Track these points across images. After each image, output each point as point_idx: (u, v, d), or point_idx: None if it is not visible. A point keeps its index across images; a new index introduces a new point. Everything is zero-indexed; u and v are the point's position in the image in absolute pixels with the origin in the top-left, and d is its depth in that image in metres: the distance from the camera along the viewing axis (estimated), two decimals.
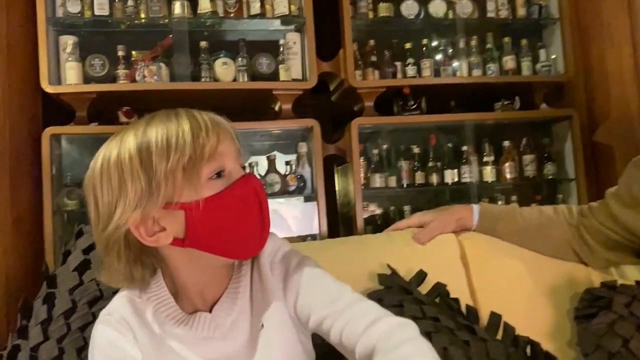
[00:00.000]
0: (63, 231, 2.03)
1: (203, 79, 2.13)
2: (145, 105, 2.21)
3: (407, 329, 0.72)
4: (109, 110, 2.13)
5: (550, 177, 2.57)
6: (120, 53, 2.09)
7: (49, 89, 1.98)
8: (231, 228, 0.72)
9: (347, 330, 0.73)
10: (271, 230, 0.80)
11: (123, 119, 2.17)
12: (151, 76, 2.04)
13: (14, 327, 1.05)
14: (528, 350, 1.10)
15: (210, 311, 0.79)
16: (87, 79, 2.07)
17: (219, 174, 0.73)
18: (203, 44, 2.16)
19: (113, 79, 2.10)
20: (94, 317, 1.01)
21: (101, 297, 1.04)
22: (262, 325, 0.80)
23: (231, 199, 0.72)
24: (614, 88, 2.43)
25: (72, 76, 2.02)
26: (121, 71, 2.08)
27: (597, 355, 1.09)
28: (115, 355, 0.76)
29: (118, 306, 0.80)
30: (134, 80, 2.08)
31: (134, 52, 2.15)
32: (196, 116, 0.73)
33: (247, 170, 0.82)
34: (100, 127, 2.02)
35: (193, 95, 2.13)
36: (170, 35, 2.12)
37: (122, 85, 2.05)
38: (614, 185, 1.26)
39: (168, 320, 0.78)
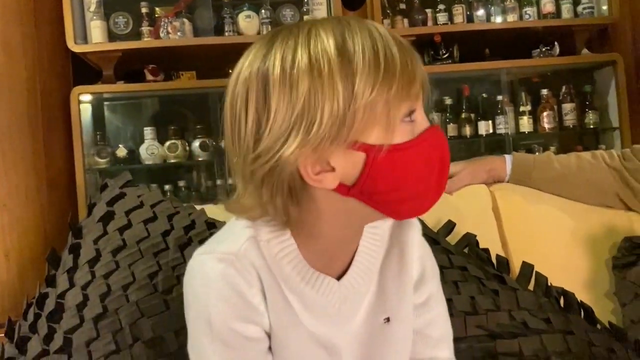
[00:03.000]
0: (95, 189, 2.08)
1: (227, 33, 2.11)
2: (169, 62, 2.22)
3: None
4: (135, 68, 2.14)
5: (592, 126, 2.49)
6: (144, 10, 2.09)
7: (75, 48, 2.01)
8: (409, 186, 0.59)
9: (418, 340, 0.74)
10: None
11: (149, 77, 2.18)
12: (175, 32, 2.03)
13: (41, 280, 1.08)
14: (562, 301, 1.06)
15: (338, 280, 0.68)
16: (112, 37, 2.08)
17: (410, 117, 0.58)
18: None
19: (137, 36, 2.10)
20: (117, 265, 1.02)
21: (124, 247, 1.05)
22: (388, 319, 0.70)
23: (419, 152, 0.59)
24: None
25: (97, 35, 2.03)
26: (145, 28, 2.08)
27: (635, 304, 1.06)
28: (238, 305, 0.63)
29: (246, 249, 0.64)
30: (157, 37, 2.07)
31: (157, 9, 2.14)
32: (396, 37, 0.58)
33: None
34: (127, 85, 2.04)
35: (218, 49, 2.11)
36: None
37: (146, 42, 2.05)
38: None
39: (292, 270, 0.65)
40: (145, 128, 2.15)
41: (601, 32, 2.54)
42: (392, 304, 0.70)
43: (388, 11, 2.31)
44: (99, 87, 2.05)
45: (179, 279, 1.01)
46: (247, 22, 2.13)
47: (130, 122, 2.28)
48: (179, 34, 2.03)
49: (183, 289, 0.67)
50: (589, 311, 1.03)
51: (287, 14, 2.18)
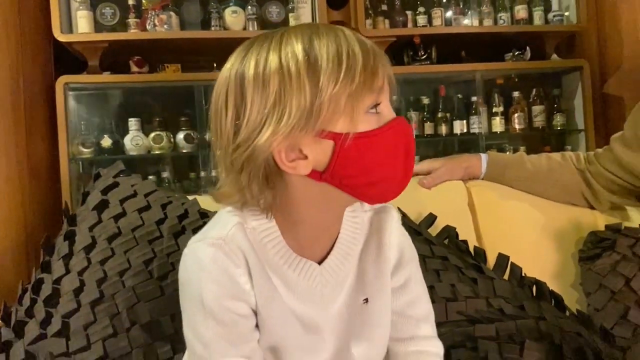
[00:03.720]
0: (79, 178, 2.06)
1: (213, 28, 2.11)
2: (155, 54, 2.21)
3: None
4: (120, 59, 2.12)
5: (559, 128, 2.57)
6: (131, 2, 2.07)
7: (61, 37, 1.98)
8: (376, 171, 0.64)
9: (398, 320, 0.78)
10: None
11: (134, 68, 2.17)
12: (162, 25, 2.03)
13: (36, 266, 1.08)
14: (534, 289, 1.12)
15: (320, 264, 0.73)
16: (98, 28, 2.06)
17: (375, 109, 0.64)
18: None
19: (124, 27, 2.08)
20: (113, 252, 1.04)
21: (120, 234, 1.06)
22: (366, 300, 0.74)
23: (382, 140, 0.64)
24: (626, 39, 2.38)
25: (83, 25, 2.01)
26: (132, 20, 2.06)
27: (599, 294, 1.11)
28: (227, 285, 0.67)
29: (233, 234, 0.68)
30: (144, 29, 2.06)
31: (144, 1, 2.12)
32: (364, 41, 0.64)
33: None
34: (113, 76, 2.02)
35: (203, 43, 2.12)
36: None
37: (133, 34, 2.04)
38: None
39: (275, 254, 0.70)
40: (130, 119, 2.14)
41: (569, 39, 2.61)
42: (370, 287, 0.75)
43: (370, 12, 2.34)
44: (85, 77, 2.03)
45: (173, 266, 1.03)
46: (234, 17, 2.13)
47: (114, 113, 2.26)
48: (165, 26, 2.03)
49: (178, 275, 0.71)
50: (558, 299, 1.08)
51: (273, 11, 2.19)
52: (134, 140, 2.10)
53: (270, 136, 0.60)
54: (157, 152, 2.16)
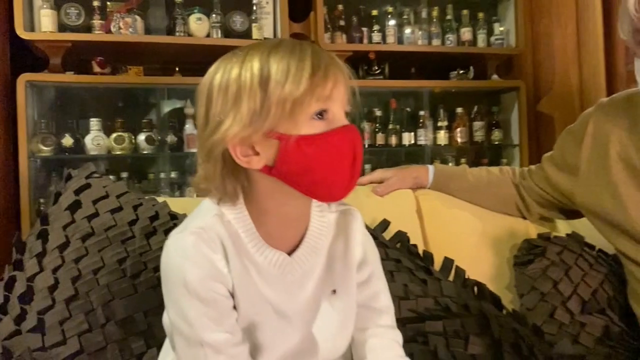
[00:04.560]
0: (37, 176, 2.02)
1: (177, 34, 2.12)
2: (120, 56, 2.20)
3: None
4: (83, 59, 2.10)
5: (496, 142, 2.71)
6: (96, 3, 2.05)
7: (24, 35, 1.94)
8: (318, 171, 0.71)
9: (362, 312, 0.85)
10: None
11: (97, 69, 2.15)
12: (126, 28, 2.02)
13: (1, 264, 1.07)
14: (476, 290, 1.20)
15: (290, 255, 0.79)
16: (62, 27, 2.02)
17: (321, 115, 0.71)
18: None
19: (88, 28, 2.06)
20: (87, 251, 1.05)
21: (93, 234, 1.08)
22: (334, 291, 0.81)
23: (325, 143, 0.71)
24: (558, 63, 2.56)
25: (47, 24, 1.97)
26: (96, 21, 2.04)
27: (531, 295, 1.20)
28: (208, 267, 0.73)
29: (211, 223, 0.75)
30: (109, 31, 2.04)
31: (109, 3, 2.11)
32: (320, 55, 0.71)
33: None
34: (76, 76, 2.00)
35: (168, 48, 2.12)
36: None
37: (98, 35, 2.02)
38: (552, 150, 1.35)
39: (248, 242, 0.76)
40: (91, 119, 2.11)
41: (508, 61, 2.77)
42: (338, 279, 0.81)
43: (329, 26, 2.40)
44: (47, 76, 1.99)
45: (146, 265, 1.05)
46: (198, 24, 2.14)
47: (76, 113, 2.23)
48: (130, 30, 2.02)
49: (161, 264, 0.76)
50: (497, 299, 1.16)
51: (237, 20, 2.21)
52: (95, 140, 2.08)
53: (224, 131, 0.69)
54: (118, 152, 2.14)
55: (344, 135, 0.72)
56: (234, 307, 0.75)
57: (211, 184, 0.74)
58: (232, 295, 0.75)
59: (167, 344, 0.86)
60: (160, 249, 0.78)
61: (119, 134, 2.13)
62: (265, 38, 2.24)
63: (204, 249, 0.73)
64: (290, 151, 0.70)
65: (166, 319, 0.80)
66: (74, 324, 0.96)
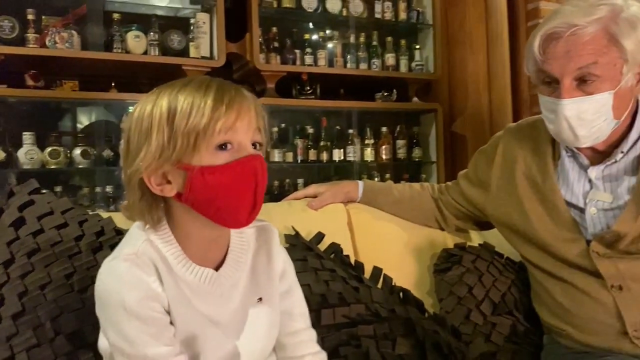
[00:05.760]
0: None
1: (115, 50, 2.09)
2: (55, 70, 2.13)
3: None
4: (16, 72, 2.02)
5: (417, 159, 2.85)
6: (30, 17, 1.98)
7: None
8: (222, 199, 0.75)
9: (285, 318, 0.91)
10: None
11: (30, 82, 2.07)
12: (63, 43, 1.97)
13: None
14: (401, 295, 1.27)
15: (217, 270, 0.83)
16: None
17: (224, 147, 0.75)
18: (116, 16, 2.11)
19: (22, 41, 1.99)
20: (33, 267, 1.03)
21: (39, 250, 1.06)
22: (260, 299, 0.86)
23: (227, 174, 0.75)
24: (470, 88, 2.75)
25: None
26: (31, 35, 1.98)
27: (449, 299, 1.29)
28: (145, 290, 0.76)
29: (143, 249, 0.78)
30: (44, 45, 1.98)
31: (43, 17, 2.05)
32: (224, 90, 0.75)
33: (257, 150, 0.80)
34: (10, 89, 1.92)
35: (105, 64, 2.09)
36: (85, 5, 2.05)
37: (34, 49, 1.95)
38: (465, 167, 1.45)
39: (178, 265, 0.80)
40: (24, 133, 2.03)
41: (427, 85, 2.94)
42: (263, 288, 0.87)
43: (264, 47, 2.46)
44: None
45: (93, 280, 1.04)
46: (136, 41, 2.13)
47: (8, 126, 2.13)
48: (66, 44, 1.98)
49: (96, 292, 0.79)
50: (420, 304, 1.24)
51: (175, 39, 2.22)
52: (28, 154, 2.00)
53: (138, 162, 0.74)
54: (52, 166, 2.08)
55: (245, 165, 0.75)
56: (171, 323, 0.79)
57: (134, 210, 0.79)
58: (169, 312, 0.79)
59: None
60: None
61: (54, 148, 2.06)
62: (202, 57, 2.26)
63: (138, 272, 0.76)
64: (195, 181, 0.74)
65: (102, 344, 0.83)
66: (22, 339, 0.94)
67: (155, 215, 0.79)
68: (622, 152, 1.11)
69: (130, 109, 2.29)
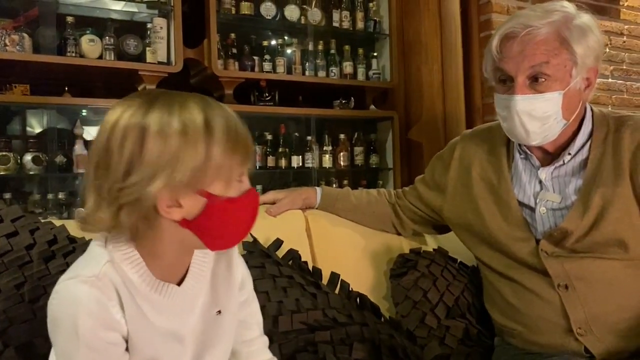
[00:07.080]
0: None
1: (69, 54, 2.03)
2: (5, 73, 2.05)
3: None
4: None
5: (374, 165, 2.90)
6: None
7: None
8: (229, 227, 0.76)
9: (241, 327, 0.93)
10: None
11: None
12: (13, 45, 1.91)
13: None
14: (358, 300, 1.29)
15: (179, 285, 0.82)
16: None
17: (240, 179, 0.76)
18: (70, 19, 2.06)
19: None
20: None
21: None
22: (219, 312, 0.86)
23: (243, 205, 0.75)
24: (426, 96, 2.81)
25: None
26: None
27: (405, 304, 1.31)
28: (101, 317, 0.72)
29: (105, 271, 0.74)
30: None
31: None
32: (238, 122, 0.75)
33: None
34: None
35: (58, 68, 2.03)
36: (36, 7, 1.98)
37: None
38: (421, 173, 1.49)
39: (142, 282, 0.77)
40: None
41: (384, 93, 2.98)
42: (222, 300, 0.87)
43: (222, 53, 2.45)
44: None
45: (45, 289, 1.02)
46: (90, 45, 2.07)
47: None
48: (17, 47, 1.91)
49: (49, 310, 0.75)
50: (376, 308, 1.26)
51: (131, 44, 2.18)
52: None
53: (159, 187, 0.68)
54: (2, 172, 1.99)
55: (253, 199, 0.77)
56: (127, 349, 0.77)
57: (104, 224, 0.72)
58: (127, 339, 0.76)
59: None
60: (60, 272, 0.77)
61: (4, 153, 1.98)
62: (159, 62, 2.22)
63: (99, 297, 0.72)
64: (217, 210, 0.72)
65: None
66: None
67: (131, 231, 0.74)
68: (569, 154, 1.17)
69: (84, 113, 2.25)
